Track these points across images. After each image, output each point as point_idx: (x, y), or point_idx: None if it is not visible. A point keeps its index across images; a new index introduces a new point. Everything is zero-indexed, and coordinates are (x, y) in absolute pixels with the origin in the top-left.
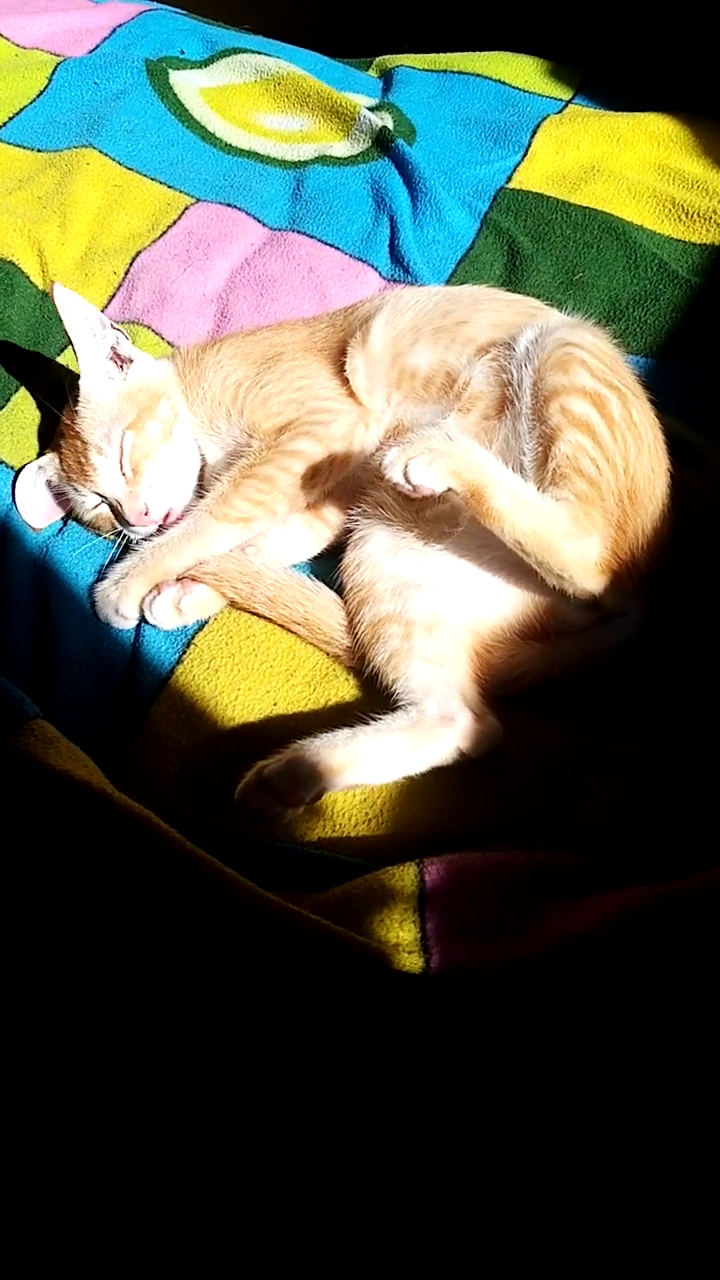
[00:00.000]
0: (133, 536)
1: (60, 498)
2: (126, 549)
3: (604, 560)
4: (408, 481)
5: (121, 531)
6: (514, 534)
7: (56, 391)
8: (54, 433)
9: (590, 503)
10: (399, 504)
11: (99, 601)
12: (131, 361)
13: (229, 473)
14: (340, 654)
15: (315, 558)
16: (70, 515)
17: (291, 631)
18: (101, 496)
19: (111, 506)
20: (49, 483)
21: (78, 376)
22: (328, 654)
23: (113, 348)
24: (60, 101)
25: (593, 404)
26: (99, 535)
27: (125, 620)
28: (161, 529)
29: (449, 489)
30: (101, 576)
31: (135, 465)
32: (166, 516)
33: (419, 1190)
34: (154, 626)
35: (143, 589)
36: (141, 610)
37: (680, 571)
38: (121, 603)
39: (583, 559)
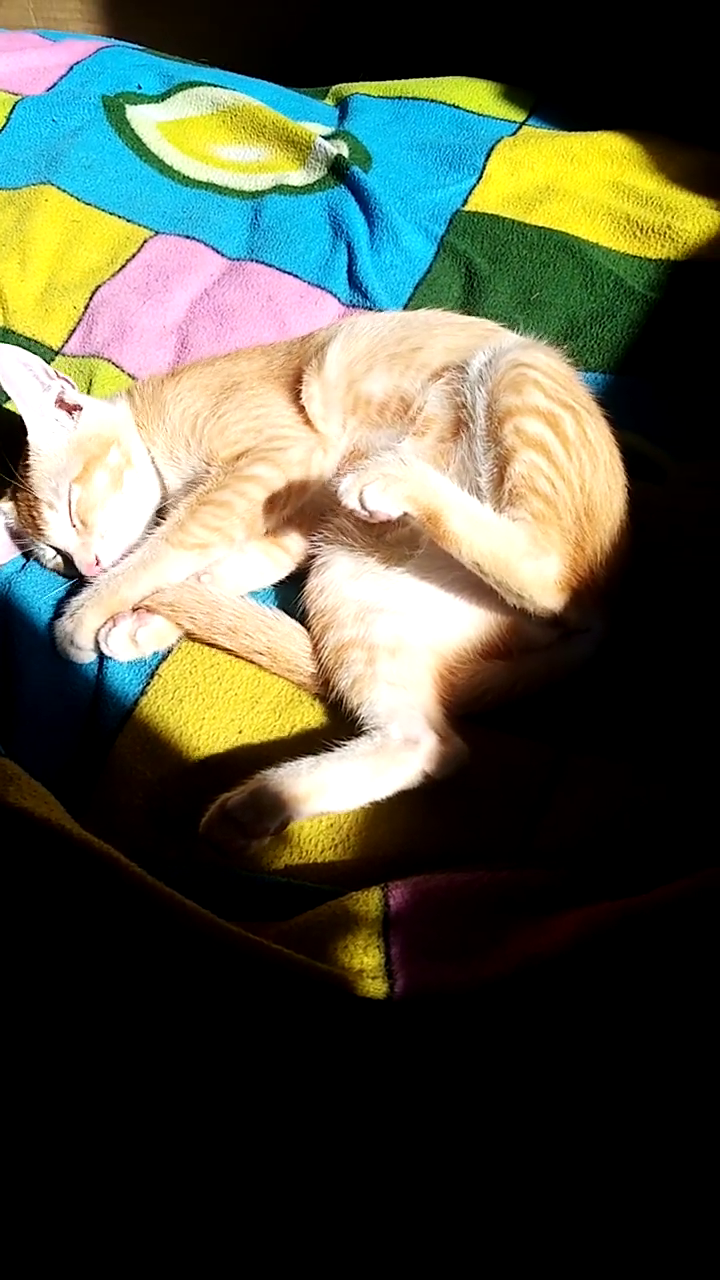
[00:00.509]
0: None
1: (20, 541)
2: (84, 580)
3: (563, 578)
4: (363, 507)
5: None
6: (472, 555)
7: (12, 437)
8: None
9: (547, 521)
10: (359, 529)
11: (57, 637)
12: (80, 409)
13: (185, 499)
14: (305, 681)
15: (280, 584)
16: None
17: (254, 662)
18: (55, 549)
19: (64, 557)
20: (9, 527)
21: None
22: (293, 683)
23: (59, 396)
24: (19, 140)
25: (547, 423)
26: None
27: (82, 653)
28: None
29: (405, 513)
30: (59, 612)
31: (83, 518)
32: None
33: (390, 1213)
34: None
35: (98, 620)
36: (98, 642)
37: (640, 585)
38: (76, 634)
39: (541, 577)
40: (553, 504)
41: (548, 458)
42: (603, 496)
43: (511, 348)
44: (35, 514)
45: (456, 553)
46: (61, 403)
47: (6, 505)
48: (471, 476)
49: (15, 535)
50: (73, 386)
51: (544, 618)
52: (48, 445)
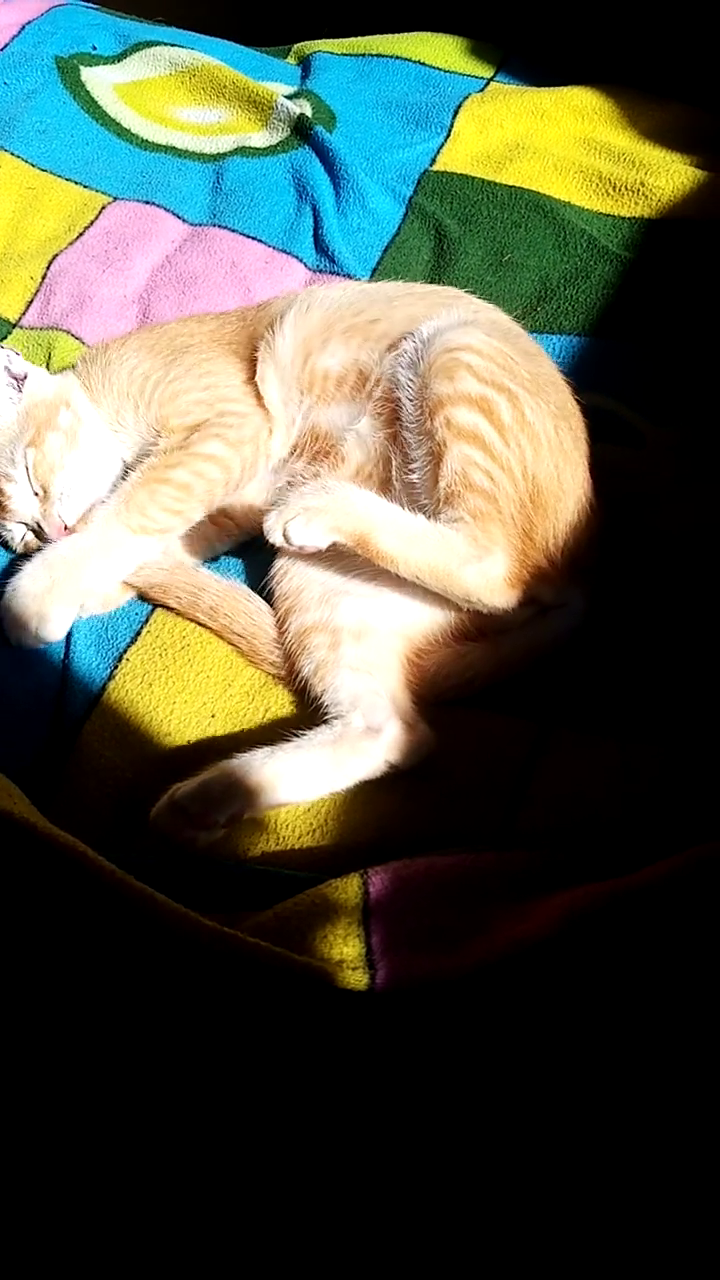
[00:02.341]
0: None
1: None
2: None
3: (512, 573)
4: (290, 543)
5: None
6: (410, 571)
7: None
8: None
9: (487, 519)
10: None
11: (8, 624)
12: (25, 378)
13: (136, 474)
14: (283, 675)
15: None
16: (7, 549)
17: (232, 644)
18: (23, 524)
19: (33, 529)
20: None
21: None
22: (268, 673)
23: (5, 368)
24: None
25: (480, 410)
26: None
27: (42, 644)
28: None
29: (333, 542)
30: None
31: (43, 482)
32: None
33: (380, 1208)
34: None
35: (65, 612)
36: None
37: (620, 553)
38: (42, 629)
39: (486, 580)
40: (492, 498)
41: (483, 449)
42: (549, 479)
43: (448, 327)
44: None
45: (394, 570)
46: (9, 374)
47: None
48: (408, 467)
49: None
50: (18, 355)
51: (499, 614)
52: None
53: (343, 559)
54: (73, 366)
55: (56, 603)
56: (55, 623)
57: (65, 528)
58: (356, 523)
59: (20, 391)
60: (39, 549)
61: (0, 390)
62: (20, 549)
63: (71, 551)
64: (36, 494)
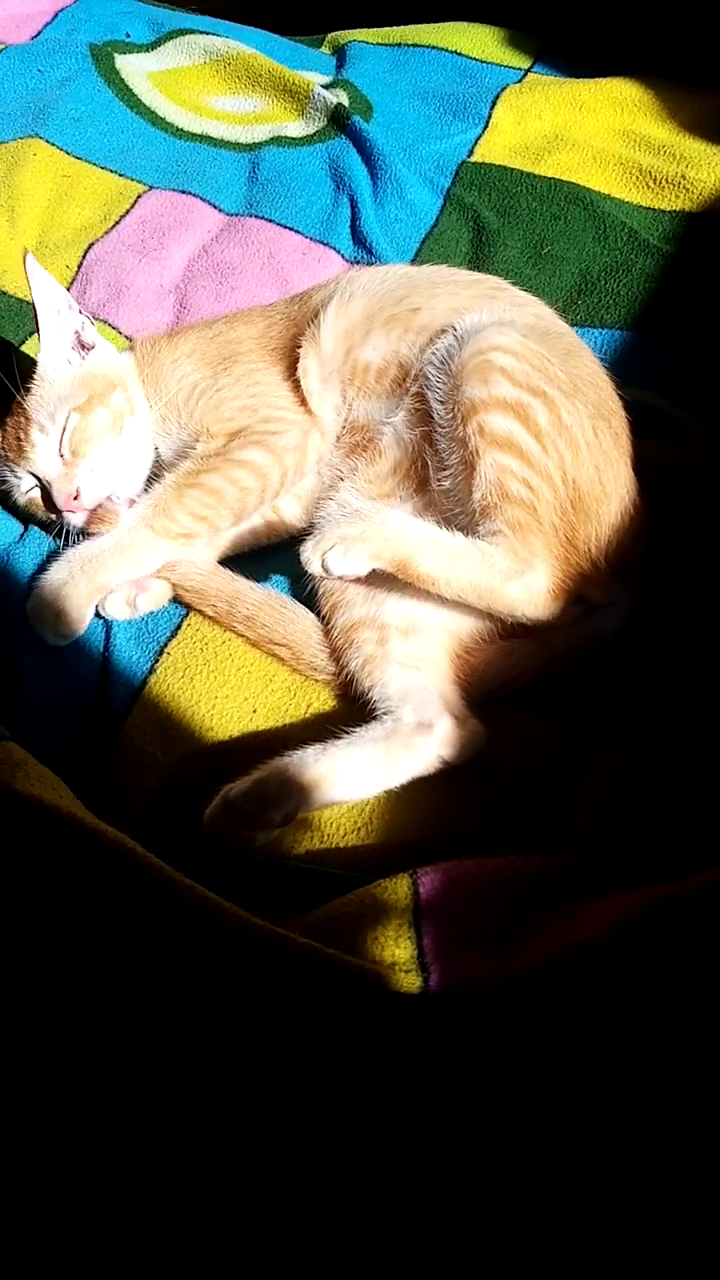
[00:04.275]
0: (67, 526)
1: None
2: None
3: (556, 584)
4: (329, 574)
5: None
6: (452, 592)
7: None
8: None
9: (527, 530)
10: (368, 500)
11: (31, 619)
12: (93, 348)
13: (170, 477)
14: (328, 679)
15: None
16: (4, 499)
17: (272, 653)
18: (35, 478)
19: (43, 490)
20: None
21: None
22: (312, 679)
23: (76, 332)
24: (3, 91)
25: (515, 416)
26: (40, 528)
27: (63, 640)
28: (87, 531)
29: (373, 569)
30: (30, 591)
31: (76, 448)
32: (98, 508)
33: (425, 1211)
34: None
35: (81, 607)
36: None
37: (665, 551)
38: (59, 623)
39: (530, 595)
40: (531, 508)
41: (519, 457)
42: (590, 482)
43: (483, 326)
44: (22, 435)
45: (435, 591)
46: (79, 340)
47: None
48: (440, 473)
49: None
50: (93, 327)
51: (543, 624)
52: (54, 371)
53: None
54: (130, 351)
55: (71, 597)
56: (71, 617)
57: (75, 497)
58: (395, 548)
59: (83, 359)
60: (35, 513)
61: (64, 350)
62: (22, 502)
63: (92, 549)
64: (62, 455)
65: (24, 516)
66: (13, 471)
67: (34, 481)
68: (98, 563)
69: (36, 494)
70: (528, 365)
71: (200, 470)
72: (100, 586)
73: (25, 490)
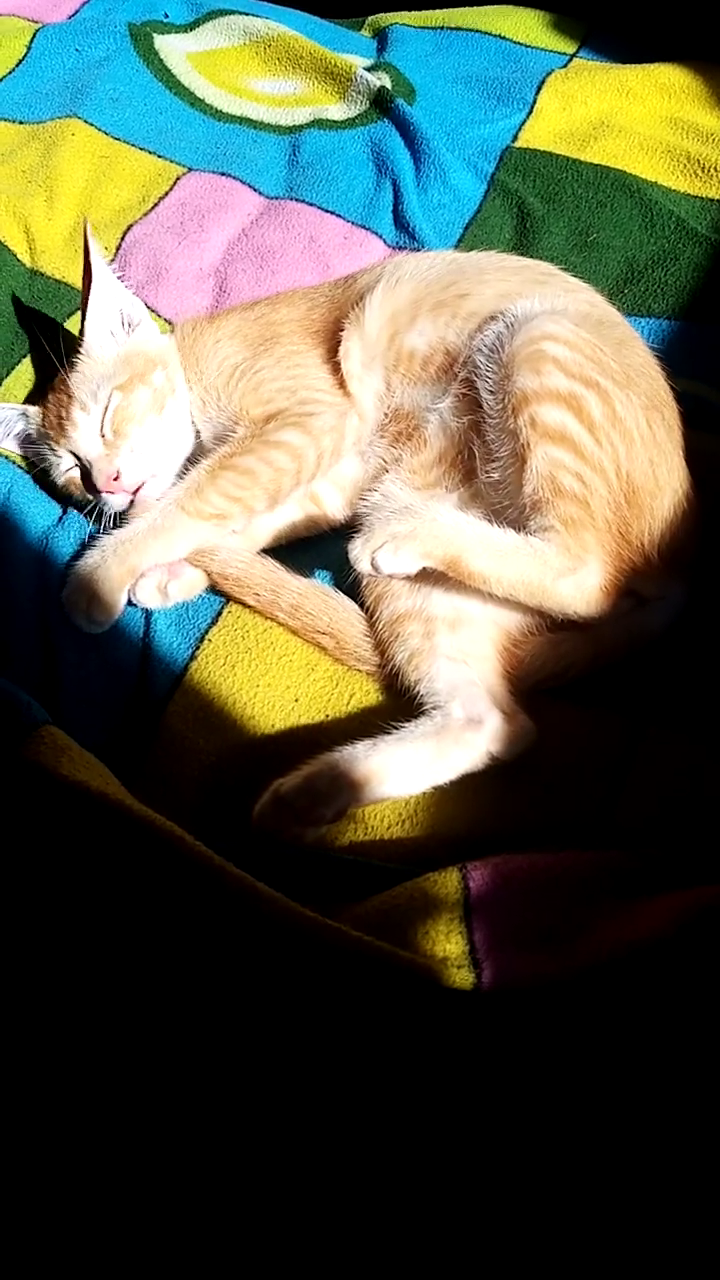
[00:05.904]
0: (105, 509)
1: (35, 453)
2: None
3: (608, 581)
4: (379, 572)
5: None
6: (503, 590)
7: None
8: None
9: (579, 525)
10: (413, 491)
11: (67, 606)
12: (138, 325)
13: (206, 460)
14: (371, 670)
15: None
16: (42, 478)
17: (316, 643)
18: (75, 457)
19: (83, 470)
20: (27, 435)
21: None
22: (357, 669)
23: (121, 310)
24: (41, 70)
25: (569, 408)
26: (76, 509)
27: (97, 626)
28: (124, 516)
29: (423, 568)
30: (64, 579)
31: (117, 427)
32: (139, 489)
33: (475, 1212)
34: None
35: (113, 592)
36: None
37: (714, 544)
38: (93, 609)
39: (582, 592)
40: (584, 503)
41: (572, 451)
42: (644, 475)
43: (535, 314)
44: (65, 414)
45: (486, 589)
46: (124, 316)
47: (33, 409)
48: (489, 464)
49: (29, 442)
50: (140, 305)
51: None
52: (98, 348)
53: None
54: (172, 332)
55: (103, 581)
56: (104, 603)
57: (115, 478)
58: (446, 546)
59: (128, 336)
60: (73, 493)
61: (111, 326)
62: (61, 481)
63: (125, 533)
64: (104, 436)
65: (62, 496)
66: (52, 450)
67: (73, 461)
68: (130, 545)
69: (75, 473)
70: (580, 355)
71: (235, 452)
72: (132, 569)
73: (65, 469)
